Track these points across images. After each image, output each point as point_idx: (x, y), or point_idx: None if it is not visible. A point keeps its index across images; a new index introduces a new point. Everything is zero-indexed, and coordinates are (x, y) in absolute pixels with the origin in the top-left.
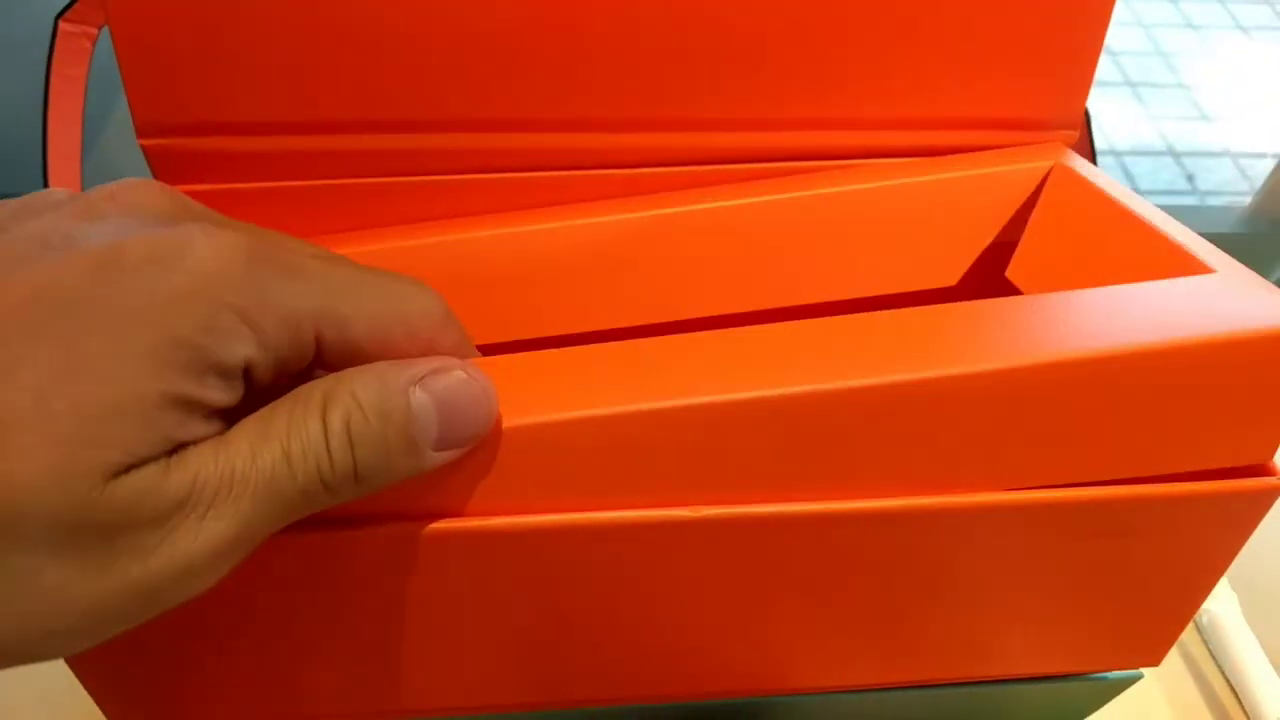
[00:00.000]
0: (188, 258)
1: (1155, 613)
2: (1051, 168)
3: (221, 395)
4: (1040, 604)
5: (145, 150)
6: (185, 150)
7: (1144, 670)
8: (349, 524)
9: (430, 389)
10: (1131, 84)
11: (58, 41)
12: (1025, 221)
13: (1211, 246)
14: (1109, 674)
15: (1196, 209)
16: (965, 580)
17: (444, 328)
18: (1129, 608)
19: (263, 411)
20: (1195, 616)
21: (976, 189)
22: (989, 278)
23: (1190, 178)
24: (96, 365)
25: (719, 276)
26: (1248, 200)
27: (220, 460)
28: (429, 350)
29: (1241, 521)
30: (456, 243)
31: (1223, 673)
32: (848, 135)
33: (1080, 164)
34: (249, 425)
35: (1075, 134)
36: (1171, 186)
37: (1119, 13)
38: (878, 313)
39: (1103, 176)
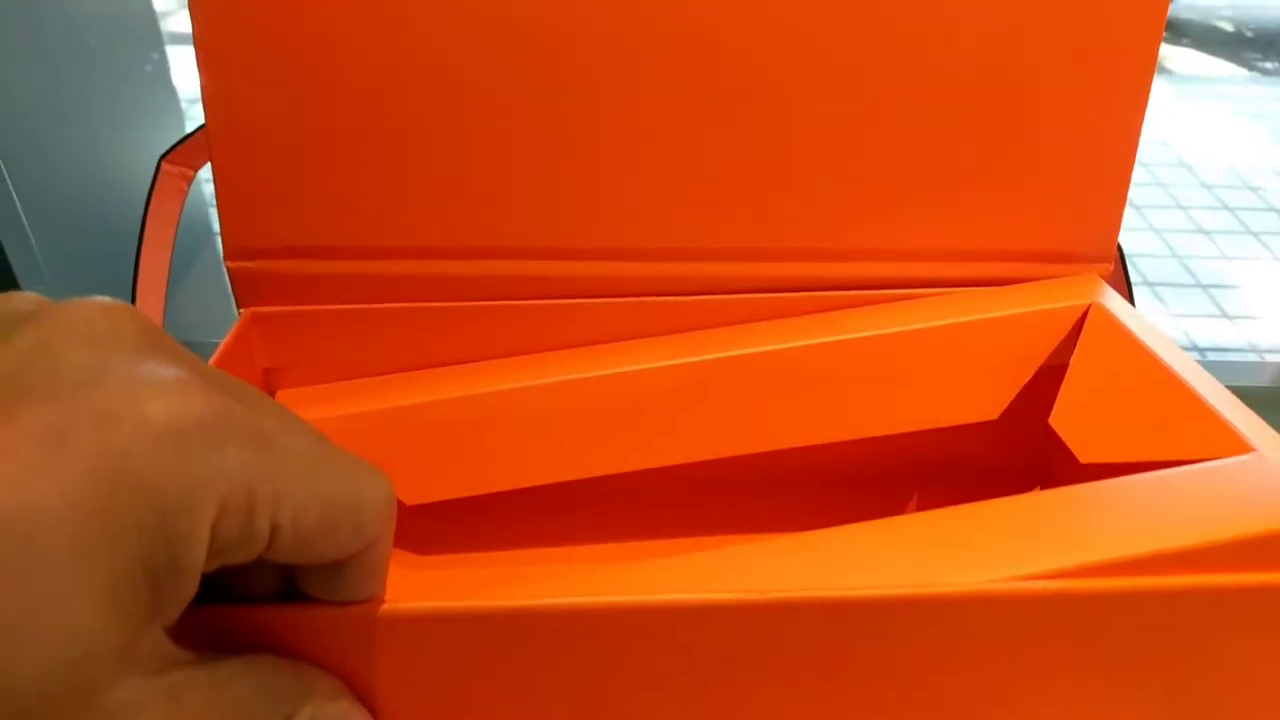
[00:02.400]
0: (141, 425)
1: None
2: (1089, 307)
3: (173, 611)
4: None
5: (231, 272)
6: (267, 273)
7: None
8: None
9: None
10: (1150, 284)
11: (159, 180)
12: (1063, 355)
13: (1249, 415)
14: None
15: (1234, 364)
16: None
17: (389, 521)
18: None
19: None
20: None
21: (1017, 327)
22: (1029, 409)
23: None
24: (49, 614)
25: (772, 414)
26: None
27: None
28: (372, 546)
29: None
30: (514, 391)
31: None
32: (896, 266)
33: (1117, 303)
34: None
35: (1109, 266)
36: None
37: (1133, 219)
38: (922, 515)
39: (1139, 319)
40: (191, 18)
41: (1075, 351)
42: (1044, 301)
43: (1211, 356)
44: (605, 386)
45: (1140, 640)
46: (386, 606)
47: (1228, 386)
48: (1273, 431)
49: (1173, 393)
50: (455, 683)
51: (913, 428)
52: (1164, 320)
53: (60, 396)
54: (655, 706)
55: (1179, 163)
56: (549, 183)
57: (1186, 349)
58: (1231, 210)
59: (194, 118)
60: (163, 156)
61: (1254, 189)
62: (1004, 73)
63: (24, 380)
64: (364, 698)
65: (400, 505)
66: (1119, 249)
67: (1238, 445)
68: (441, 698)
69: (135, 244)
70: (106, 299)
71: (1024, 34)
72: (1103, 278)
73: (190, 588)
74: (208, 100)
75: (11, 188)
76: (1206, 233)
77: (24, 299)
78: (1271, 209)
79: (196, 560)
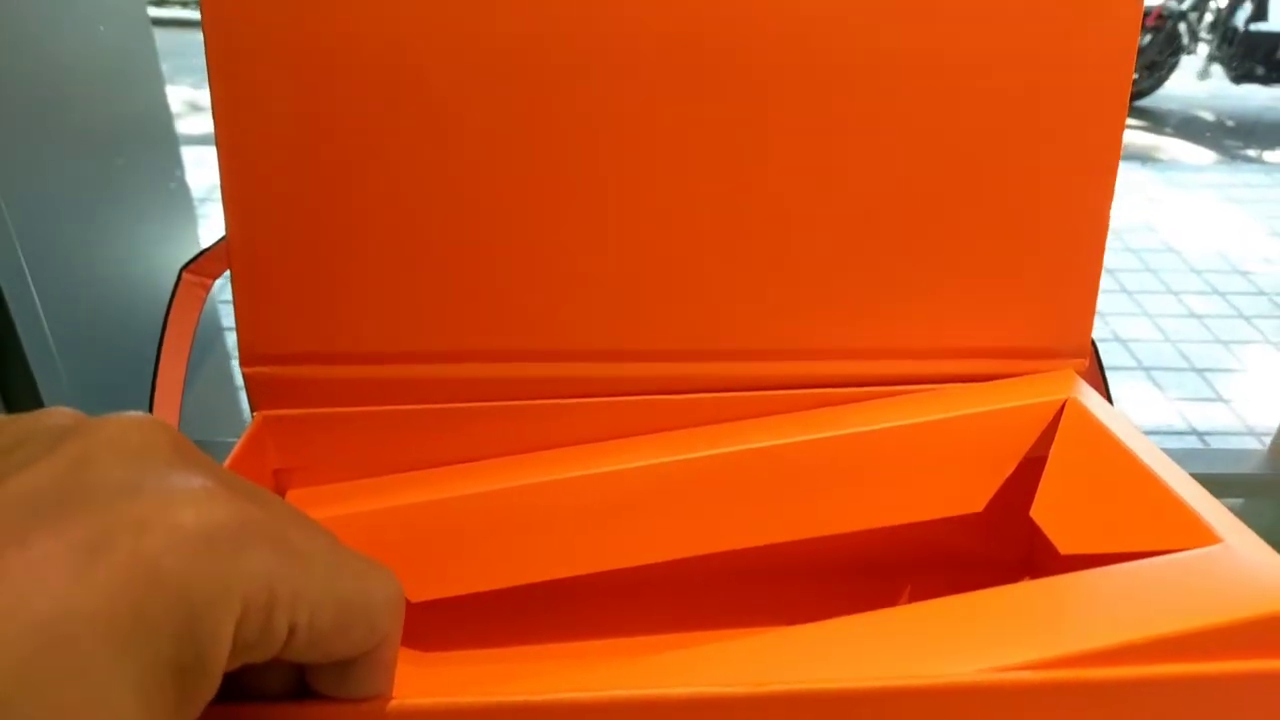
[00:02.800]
0: (173, 533)
1: None
2: (1065, 403)
3: (194, 711)
4: None
5: (247, 378)
6: (282, 378)
7: None
8: None
9: None
10: (1145, 368)
11: (179, 290)
12: (1042, 448)
13: (1219, 508)
14: None
15: (1215, 452)
16: None
17: (398, 619)
18: None
19: None
20: None
21: (997, 422)
22: (1012, 501)
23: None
24: (89, 713)
25: (763, 509)
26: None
27: None
28: (382, 644)
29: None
30: (514, 489)
31: None
32: (880, 364)
33: (1092, 398)
34: None
35: (1085, 361)
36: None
37: (1126, 304)
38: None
39: (1113, 413)
40: (215, 123)
41: (1053, 446)
42: (1022, 398)
43: (1214, 442)
44: (601, 484)
45: None
46: (395, 703)
47: (1220, 475)
48: (1237, 521)
49: (1145, 486)
50: None
51: (900, 521)
52: (1160, 405)
53: (100, 508)
54: None
55: (1168, 248)
56: (550, 291)
57: (1184, 433)
58: (1222, 295)
59: (204, 215)
60: (184, 267)
61: (1242, 273)
62: (980, 179)
63: (67, 492)
64: None
65: (408, 605)
66: (1093, 344)
67: (1206, 536)
68: None
69: (141, 339)
70: (139, 414)
71: (996, 138)
72: (1078, 373)
73: (212, 687)
74: (229, 211)
75: (33, 289)
76: (1199, 317)
77: (61, 414)
78: (1261, 292)
79: (220, 658)
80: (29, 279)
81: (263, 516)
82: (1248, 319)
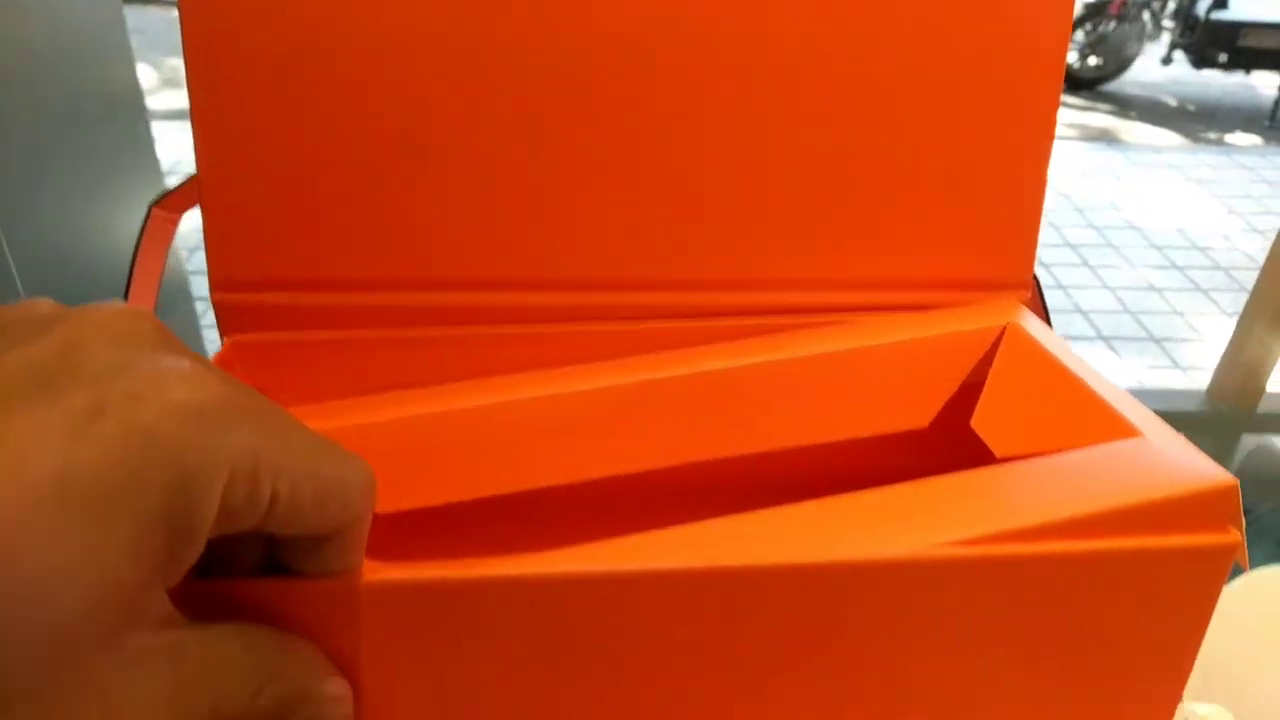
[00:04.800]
0: (166, 405)
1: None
2: (1006, 325)
3: (178, 572)
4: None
5: (216, 304)
6: (251, 304)
7: None
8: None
9: (322, 710)
10: (1105, 338)
11: (149, 224)
12: (985, 369)
13: (1144, 410)
14: None
15: (1157, 391)
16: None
17: (369, 501)
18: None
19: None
20: None
21: (943, 345)
22: (955, 417)
23: None
24: (86, 558)
25: (717, 427)
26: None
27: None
28: (355, 523)
29: (1202, 588)
30: (470, 409)
31: None
32: (821, 295)
33: (1032, 322)
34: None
35: (1026, 293)
36: None
37: (1087, 278)
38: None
39: (1052, 337)
40: (184, 55)
41: (994, 364)
42: (968, 323)
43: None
44: (558, 404)
45: (1035, 599)
46: (369, 577)
47: (1160, 411)
48: (1158, 419)
49: (1076, 394)
50: (435, 653)
51: (849, 435)
52: (1119, 371)
53: (94, 383)
54: (622, 673)
55: (1129, 225)
56: (510, 220)
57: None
58: (1180, 269)
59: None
60: (153, 204)
61: (1201, 249)
62: (921, 114)
63: (61, 370)
64: (342, 669)
65: (375, 518)
66: (1035, 279)
67: (1128, 432)
68: (419, 669)
69: (119, 286)
70: (123, 303)
71: (937, 67)
72: (1021, 302)
73: (196, 550)
74: (198, 140)
75: (5, 245)
76: (1158, 290)
77: (44, 304)
78: (1218, 267)
79: (207, 520)
80: (4, 247)
81: (247, 400)
82: (1205, 292)
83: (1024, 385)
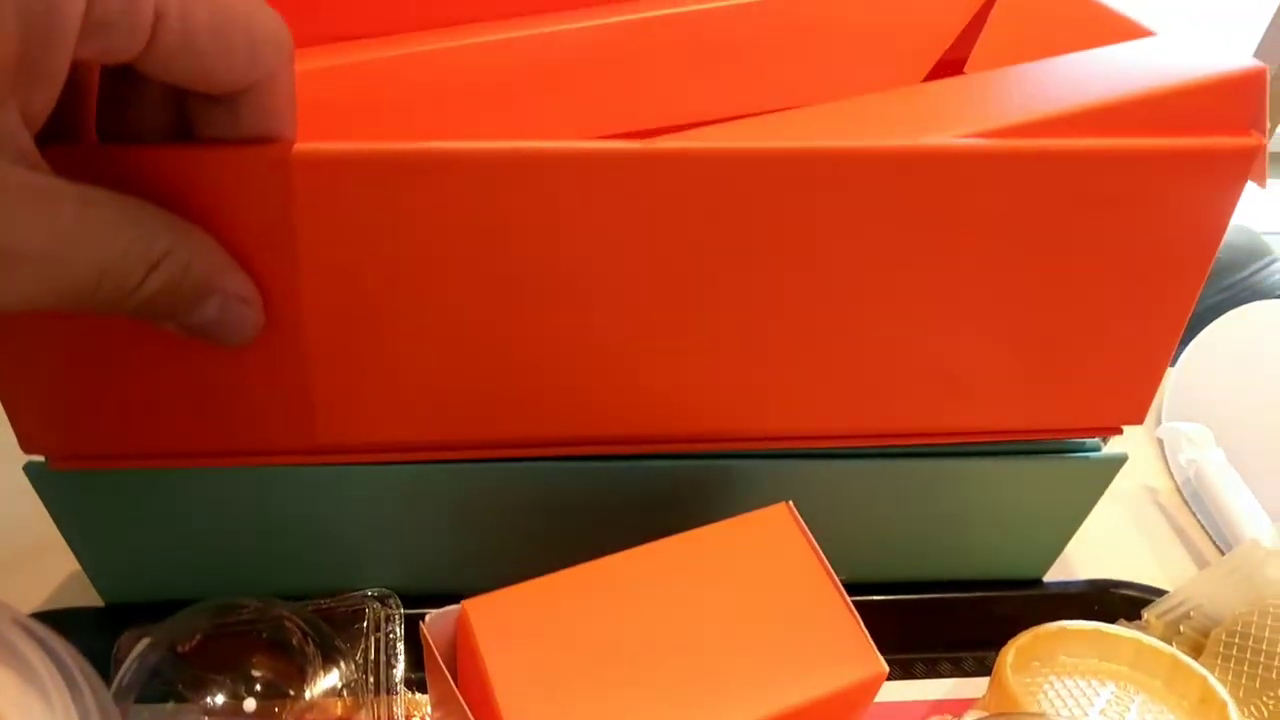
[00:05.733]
0: None
1: (1135, 354)
2: None
3: (39, 87)
4: (1016, 313)
5: None
6: None
7: (1126, 452)
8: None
9: (225, 309)
10: None
11: None
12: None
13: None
14: (1091, 453)
15: None
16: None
17: (283, 56)
18: (1106, 342)
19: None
20: (1179, 465)
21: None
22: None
23: None
24: None
25: (698, 81)
26: None
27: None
28: (267, 82)
29: (1220, 194)
30: (444, 51)
31: (1205, 529)
32: None
33: None
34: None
35: None
36: None
37: None
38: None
39: None
40: None
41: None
42: None
43: None
44: (544, 45)
45: (1056, 194)
46: (289, 146)
47: None
48: (1175, 24)
49: (1087, 13)
50: (344, 228)
51: (846, 94)
52: None
53: None
54: (559, 253)
55: None
56: None
57: None
58: None
59: None
60: None
61: None
62: None
63: None
64: (252, 260)
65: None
66: None
67: (1140, 34)
68: (338, 259)
69: None
70: None
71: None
72: None
73: (61, 58)
74: None
75: None
76: None
77: None
78: None
79: (71, 18)
80: None
81: None
82: None
83: (1027, 18)
